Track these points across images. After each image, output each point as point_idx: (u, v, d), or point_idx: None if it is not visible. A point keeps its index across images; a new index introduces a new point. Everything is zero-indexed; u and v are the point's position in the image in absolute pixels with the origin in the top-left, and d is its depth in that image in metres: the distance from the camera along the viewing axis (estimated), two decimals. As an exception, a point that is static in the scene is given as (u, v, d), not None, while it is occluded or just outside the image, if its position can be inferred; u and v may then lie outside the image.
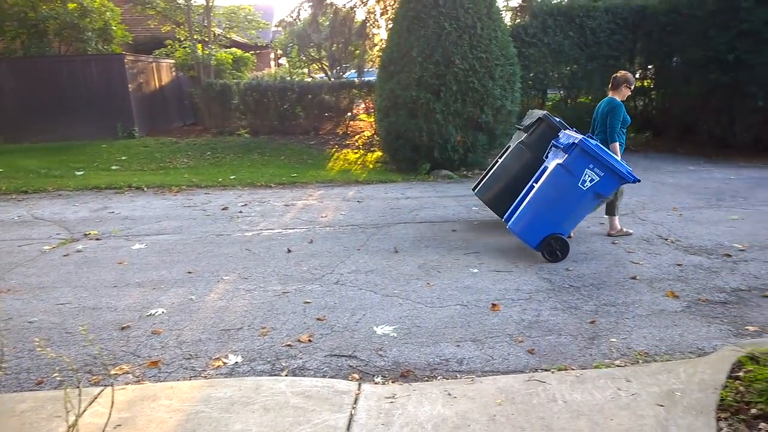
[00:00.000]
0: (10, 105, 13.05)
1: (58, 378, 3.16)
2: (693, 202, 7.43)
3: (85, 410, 2.71)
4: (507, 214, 5.64)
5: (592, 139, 5.23)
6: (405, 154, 9.98)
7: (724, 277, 4.69)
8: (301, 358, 3.44)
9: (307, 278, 4.82)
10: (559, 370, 3.21)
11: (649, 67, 13.61)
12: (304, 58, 18.77)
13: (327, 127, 14.73)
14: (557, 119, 6.05)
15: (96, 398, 2.87)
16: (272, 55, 25.51)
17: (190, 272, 5.02)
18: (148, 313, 4.12)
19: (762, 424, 2.55)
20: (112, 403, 2.47)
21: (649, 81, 13.59)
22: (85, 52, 13.88)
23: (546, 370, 3.22)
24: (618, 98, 5.71)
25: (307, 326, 3.88)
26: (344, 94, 14.46)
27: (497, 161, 6.43)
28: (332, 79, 16.83)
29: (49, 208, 7.75)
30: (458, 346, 3.57)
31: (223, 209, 7.50)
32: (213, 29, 16.11)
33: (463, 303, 4.24)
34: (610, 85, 5.82)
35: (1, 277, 4.94)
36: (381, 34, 15.85)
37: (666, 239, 5.79)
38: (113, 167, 10.77)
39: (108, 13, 14.43)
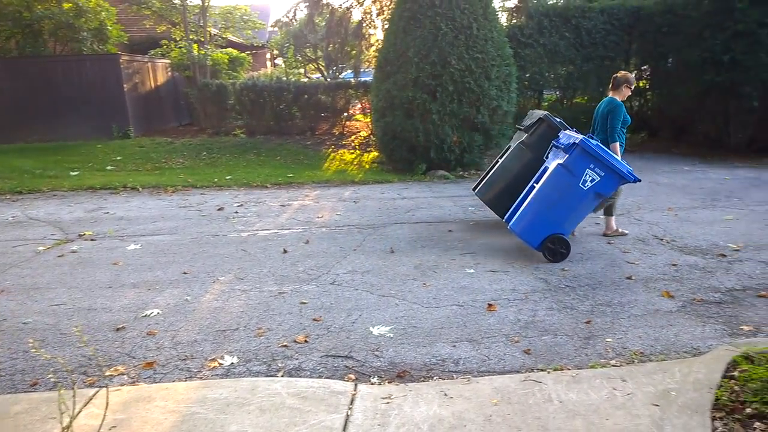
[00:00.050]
0: (5, 105, 12.99)
1: (52, 379, 3.14)
2: (688, 202, 7.46)
3: (79, 412, 2.70)
4: (508, 214, 5.63)
5: (593, 139, 5.25)
6: (401, 154, 9.98)
7: (719, 277, 4.71)
8: (297, 359, 3.44)
9: (303, 279, 4.81)
10: (555, 370, 3.22)
11: (645, 67, 13.65)
12: (300, 59, 18.77)
13: (323, 127, 14.73)
14: (558, 119, 6.06)
15: (91, 400, 2.86)
16: (268, 56, 25.47)
17: (185, 273, 5.00)
18: (144, 314, 4.10)
19: (757, 424, 2.56)
20: (107, 404, 2.46)
21: (644, 82, 13.62)
22: (81, 52, 13.85)
23: (542, 370, 3.22)
24: (618, 98, 5.72)
25: (303, 327, 3.88)
26: (340, 95, 14.45)
27: (497, 161, 6.43)
28: (328, 80, 16.83)
29: (43, 209, 7.72)
30: (454, 346, 3.57)
31: (218, 209, 7.48)
32: (209, 29, 16.08)
33: (460, 303, 4.24)
34: (610, 85, 5.83)
35: (-5, 278, 4.92)
36: (377, 34, 15.86)
37: (661, 239, 5.81)
38: (108, 167, 10.73)
39: (103, 13, 14.38)
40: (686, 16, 11.27)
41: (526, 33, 12.08)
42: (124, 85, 13.47)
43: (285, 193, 8.61)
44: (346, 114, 15.02)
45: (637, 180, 5.13)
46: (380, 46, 11.59)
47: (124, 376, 3.27)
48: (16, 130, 12.93)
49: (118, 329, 3.86)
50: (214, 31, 17.29)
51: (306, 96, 14.05)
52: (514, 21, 13.33)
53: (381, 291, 4.50)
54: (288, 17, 16.16)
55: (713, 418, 2.63)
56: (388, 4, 14.20)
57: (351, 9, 15.24)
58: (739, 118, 10.74)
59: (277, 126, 14.13)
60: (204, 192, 8.77)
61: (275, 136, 13.77)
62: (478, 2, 9.45)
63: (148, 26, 16.65)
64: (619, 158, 5.30)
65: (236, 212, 7.33)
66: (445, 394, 2.91)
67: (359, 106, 16.01)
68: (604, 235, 5.97)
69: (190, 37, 14.82)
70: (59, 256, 5.56)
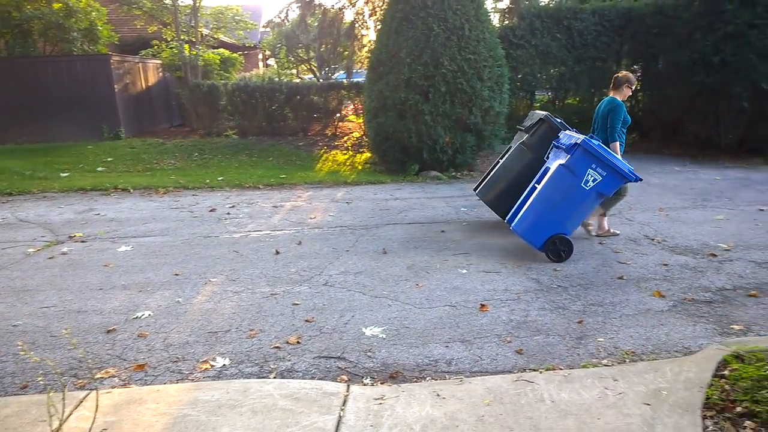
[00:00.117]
0: (-6, 106, 12.89)
1: (42, 382, 3.12)
2: (679, 202, 7.51)
3: (70, 415, 2.68)
4: (509, 215, 5.63)
5: (594, 139, 5.27)
6: (394, 155, 9.98)
7: (709, 276, 4.74)
8: (289, 360, 3.43)
9: (295, 280, 4.80)
10: (547, 370, 3.23)
11: (635, 68, 13.74)
12: (292, 59, 18.71)
13: (316, 128, 14.69)
14: (558, 120, 6.08)
15: (81, 402, 2.84)
16: (260, 56, 25.41)
17: (177, 274, 4.98)
18: (135, 316, 4.08)
19: (747, 422, 2.58)
20: (97, 407, 2.44)
21: (635, 83, 13.70)
22: (71, 53, 13.73)
23: (534, 370, 3.23)
24: (619, 98, 5.75)
25: (296, 328, 3.86)
26: (333, 95, 14.43)
27: (498, 162, 6.45)
28: (321, 80, 16.79)
29: (33, 210, 7.65)
30: (447, 346, 3.57)
31: (210, 211, 7.45)
32: (200, 30, 16.01)
33: (452, 304, 4.24)
34: (611, 85, 5.86)
35: (-16, 280, 4.87)
36: (370, 35, 15.84)
37: (652, 239, 5.84)
38: (99, 168, 10.66)
39: (94, 13, 14.27)
40: (677, 17, 11.36)
41: (518, 34, 12.13)
42: (115, 86, 13.38)
43: (277, 194, 8.59)
44: (338, 115, 14.99)
45: (638, 179, 5.16)
46: (372, 47, 11.59)
47: (115, 378, 3.24)
48: (5, 131, 12.81)
49: (108, 331, 3.84)
50: (205, 31, 17.22)
51: (298, 97, 14.02)
52: (506, 22, 13.40)
53: (373, 292, 4.50)
54: (280, 18, 16.10)
55: (704, 417, 2.65)
56: (380, 5, 14.21)
57: (343, 10, 15.23)
58: (730, 119, 10.82)
59: (269, 127, 14.09)
60: (196, 193, 8.73)
61: (267, 136, 13.73)
62: (470, 3, 9.48)
63: (138, 26, 16.54)
64: (619, 157, 5.33)
65: (228, 213, 7.30)
66: (438, 395, 2.91)
67: (352, 106, 15.99)
68: (596, 235, 5.99)
69: (182, 37, 14.75)
70: (49, 258, 5.51)
